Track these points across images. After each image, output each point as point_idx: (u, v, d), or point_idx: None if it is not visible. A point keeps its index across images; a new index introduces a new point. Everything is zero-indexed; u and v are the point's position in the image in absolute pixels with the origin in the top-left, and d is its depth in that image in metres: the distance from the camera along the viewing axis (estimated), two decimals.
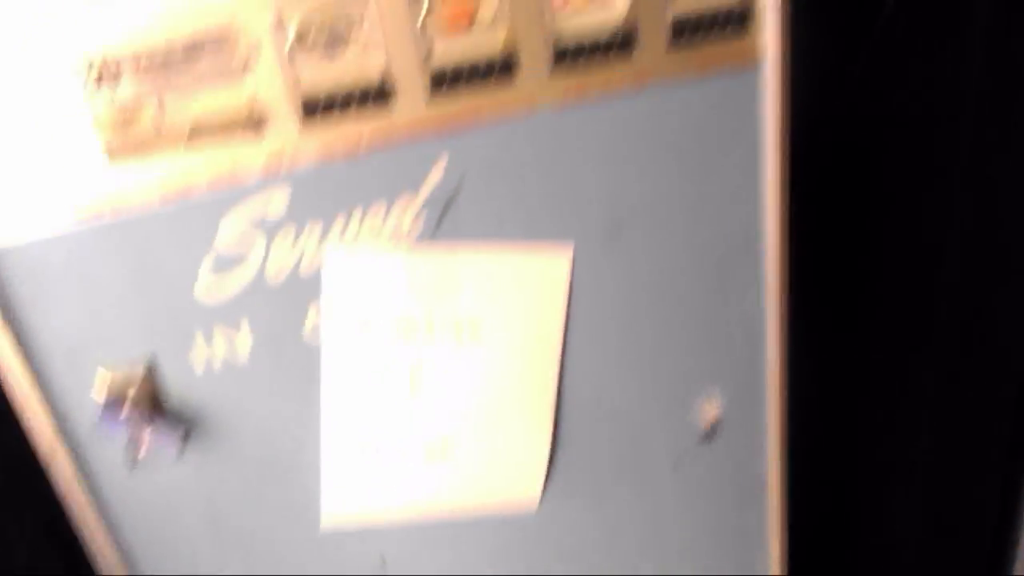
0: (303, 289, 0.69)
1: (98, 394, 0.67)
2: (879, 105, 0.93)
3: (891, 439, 1.04)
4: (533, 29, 0.64)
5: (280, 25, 0.61)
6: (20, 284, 0.64)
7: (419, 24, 0.62)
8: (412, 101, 0.65)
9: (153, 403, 0.69)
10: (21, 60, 0.59)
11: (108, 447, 0.70)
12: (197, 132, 0.63)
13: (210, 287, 0.68)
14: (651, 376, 0.78)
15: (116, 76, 0.60)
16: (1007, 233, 0.87)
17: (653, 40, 0.66)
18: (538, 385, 0.76)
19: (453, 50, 0.64)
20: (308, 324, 0.70)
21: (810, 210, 0.82)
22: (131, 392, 0.67)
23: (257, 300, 0.68)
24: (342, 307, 0.70)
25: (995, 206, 0.87)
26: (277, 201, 0.66)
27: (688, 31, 0.66)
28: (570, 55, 0.66)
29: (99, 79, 0.60)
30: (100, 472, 0.72)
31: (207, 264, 0.67)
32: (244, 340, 0.70)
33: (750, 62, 0.68)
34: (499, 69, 0.65)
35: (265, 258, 0.67)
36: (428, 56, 0.64)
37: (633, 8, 0.65)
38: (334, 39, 0.62)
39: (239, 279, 0.68)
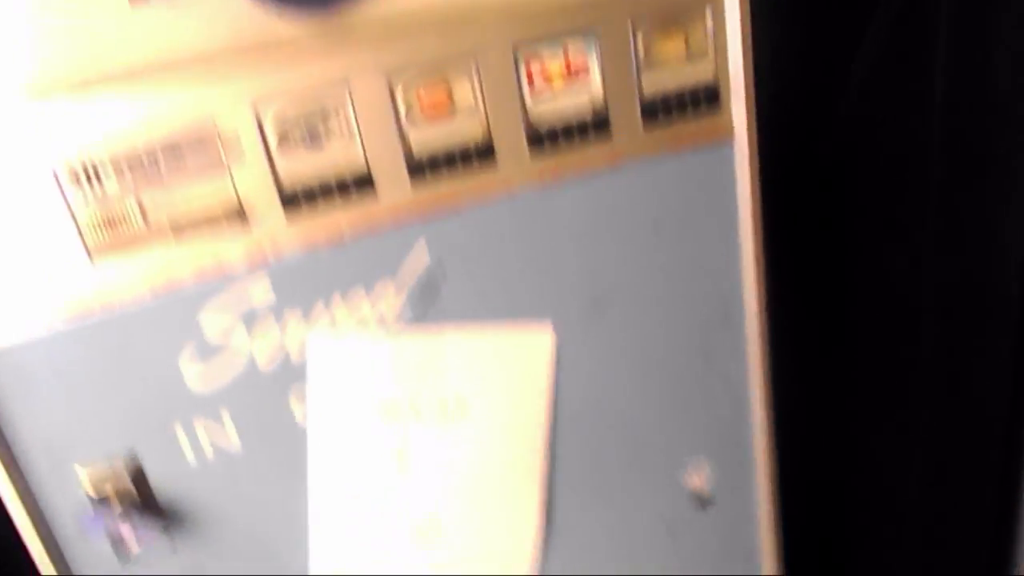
0: (292, 376, 0.69)
1: (84, 490, 0.67)
2: (855, 154, 0.96)
3: (887, 458, 1.04)
4: (509, 115, 0.66)
5: (258, 120, 0.62)
6: (6, 386, 0.64)
7: (397, 114, 0.64)
8: (393, 188, 0.66)
9: (140, 498, 0.68)
10: (2, 163, 0.59)
11: (97, 543, 0.70)
12: (181, 228, 0.63)
13: (200, 377, 0.68)
14: (640, 447, 0.79)
15: (98, 177, 0.61)
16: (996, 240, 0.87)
17: (626, 120, 0.68)
18: (526, 461, 0.76)
19: (432, 138, 0.65)
20: (298, 410, 0.70)
21: (791, 256, 0.83)
22: (111, 488, 0.67)
23: (248, 388, 0.68)
24: (327, 392, 0.70)
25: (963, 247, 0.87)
26: (262, 290, 0.66)
27: (660, 111, 0.68)
28: (547, 138, 0.67)
29: (81, 180, 0.60)
30: (87, 569, 0.71)
31: (194, 354, 0.67)
32: (233, 428, 0.70)
33: (723, 136, 0.70)
34: (477, 154, 0.66)
35: (252, 346, 0.68)
36: (407, 144, 0.65)
37: (605, 91, 0.66)
38: (313, 131, 0.63)
39: (228, 368, 0.68)
